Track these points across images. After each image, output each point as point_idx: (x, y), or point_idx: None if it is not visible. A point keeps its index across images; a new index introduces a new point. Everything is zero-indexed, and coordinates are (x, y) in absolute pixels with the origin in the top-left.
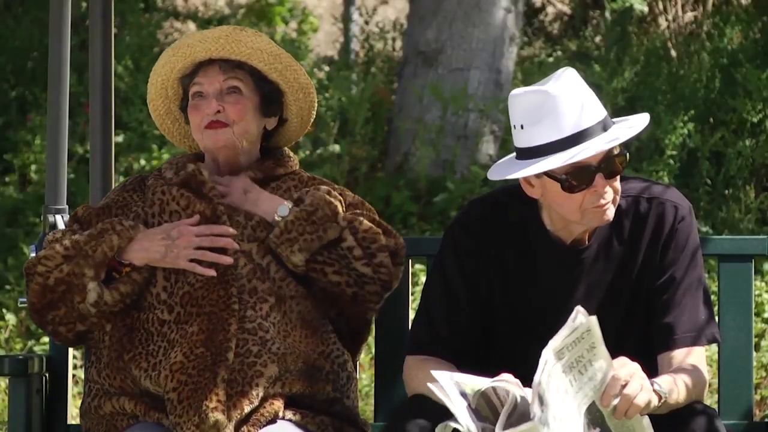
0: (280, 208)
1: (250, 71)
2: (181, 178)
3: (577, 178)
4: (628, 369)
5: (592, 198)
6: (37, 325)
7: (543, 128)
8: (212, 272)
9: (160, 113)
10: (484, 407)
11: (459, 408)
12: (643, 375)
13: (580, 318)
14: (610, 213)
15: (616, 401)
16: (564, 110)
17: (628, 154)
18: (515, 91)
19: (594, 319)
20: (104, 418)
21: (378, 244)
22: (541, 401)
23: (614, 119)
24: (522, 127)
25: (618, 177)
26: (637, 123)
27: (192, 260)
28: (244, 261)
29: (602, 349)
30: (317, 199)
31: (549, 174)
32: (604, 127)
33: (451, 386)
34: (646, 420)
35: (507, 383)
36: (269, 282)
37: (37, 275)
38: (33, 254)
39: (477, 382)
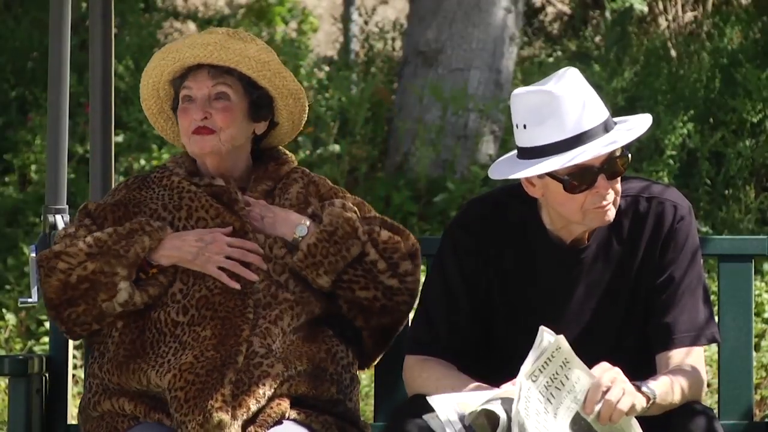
0: (298, 228)
1: (239, 77)
2: (213, 190)
3: (579, 179)
4: (609, 375)
5: (594, 199)
6: (52, 319)
7: (546, 128)
8: (237, 285)
9: (153, 112)
10: (485, 428)
11: None
12: (625, 379)
13: (547, 338)
14: (611, 214)
15: (598, 407)
16: (567, 111)
17: (630, 155)
18: (518, 91)
19: (561, 337)
20: (103, 419)
21: (399, 253)
22: (522, 430)
23: (617, 119)
24: (525, 126)
25: (619, 178)
26: (637, 125)
27: (219, 269)
28: (262, 277)
29: (576, 361)
30: (335, 217)
31: (551, 174)
32: (605, 128)
33: (447, 412)
34: (634, 420)
35: (499, 402)
36: (287, 293)
37: (58, 271)
38: (33, 254)
39: (473, 402)
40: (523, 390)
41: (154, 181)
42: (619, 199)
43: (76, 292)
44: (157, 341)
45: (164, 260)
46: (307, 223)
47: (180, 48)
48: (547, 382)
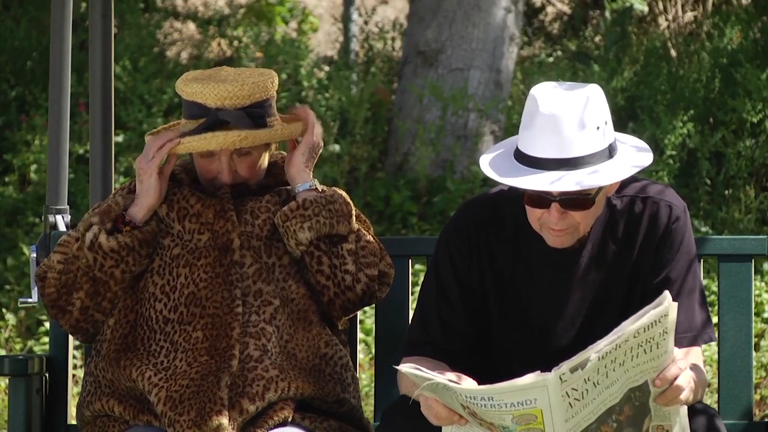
0: (303, 184)
1: None
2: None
3: (534, 196)
4: (684, 362)
5: (549, 219)
6: (54, 318)
7: (525, 136)
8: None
9: None
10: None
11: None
12: (693, 374)
13: (665, 303)
14: (564, 240)
15: (666, 386)
16: (553, 130)
17: (598, 191)
18: (540, 84)
19: (675, 305)
20: (95, 423)
21: (372, 259)
22: (582, 366)
23: (628, 139)
24: (519, 125)
25: (588, 211)
26: (614, 171)
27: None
28: (251, 260)
29: (672, 336)
30: (338, 195)
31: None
32: (610, 152)
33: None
34: (684, 411)
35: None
36: (274, 283)
37: (55, 263)
38: (33, 254)
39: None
40: (620, 339)
41: None
42: (584, 227)
43: (70, 275)
44: (148, 338)
45: (138, 210)
46: (314, 184)
47: (202, 142)
48: (641, 342)
